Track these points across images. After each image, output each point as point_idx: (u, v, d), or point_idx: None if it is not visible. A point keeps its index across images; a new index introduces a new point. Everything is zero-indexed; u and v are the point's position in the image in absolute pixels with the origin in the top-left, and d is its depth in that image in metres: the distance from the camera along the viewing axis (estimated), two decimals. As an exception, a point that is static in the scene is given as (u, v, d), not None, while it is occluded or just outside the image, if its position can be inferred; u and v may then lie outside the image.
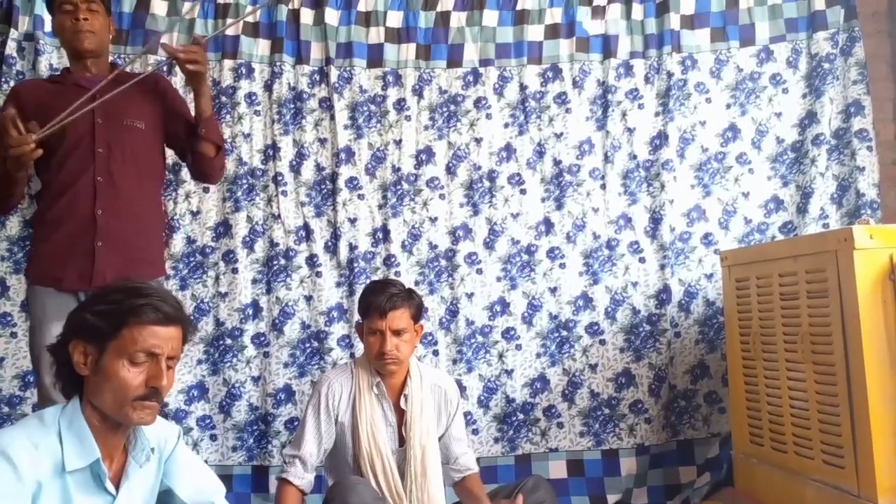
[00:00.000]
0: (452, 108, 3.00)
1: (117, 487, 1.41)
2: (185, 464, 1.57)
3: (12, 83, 2.73)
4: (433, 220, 2.95)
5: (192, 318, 1.52)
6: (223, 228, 2.87)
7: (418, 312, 2.20)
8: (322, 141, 2.96)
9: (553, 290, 2.93)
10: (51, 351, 1.44)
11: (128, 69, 2.49)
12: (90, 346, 1.37)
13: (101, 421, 1.39)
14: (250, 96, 2.92)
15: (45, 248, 2.14)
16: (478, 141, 2.98)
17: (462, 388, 2.85)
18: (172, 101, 2.34)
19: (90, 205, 2.09)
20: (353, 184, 2.93)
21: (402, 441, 2.16)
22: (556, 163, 2.98)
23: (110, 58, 2.41)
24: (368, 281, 2.76)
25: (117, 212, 2.11)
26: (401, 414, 2.17)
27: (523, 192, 2.97)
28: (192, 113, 2.30)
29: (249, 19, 2.94)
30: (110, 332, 1.36)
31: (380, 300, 2.10)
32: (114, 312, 1.37)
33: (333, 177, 2.92)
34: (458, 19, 3.03)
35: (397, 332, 2.10)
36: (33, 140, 1.93)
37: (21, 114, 1.97)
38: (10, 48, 2.77)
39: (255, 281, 2.86)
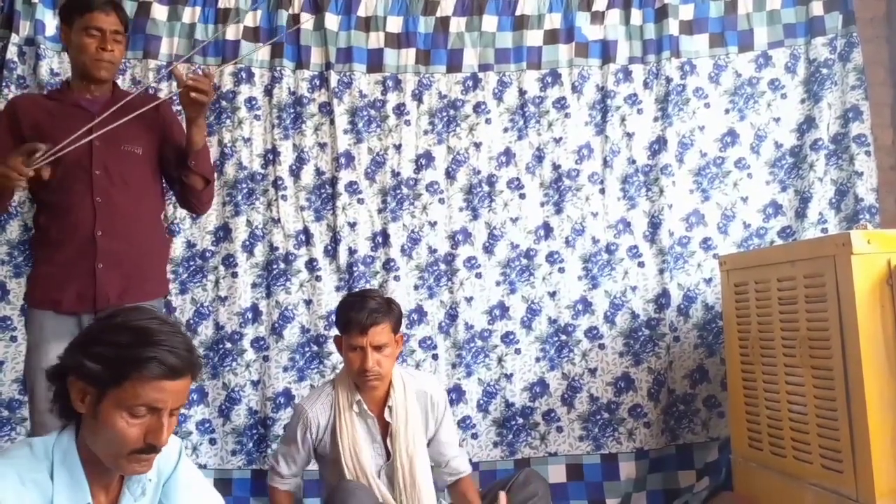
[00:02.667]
0: (452, 112, 3.00)
1: None
2: (186, 484, 1.49)
3: (13, 87, 2.75)
4: (432, 224, 2.95)
5: (201, 360, 1.39)
6: (223, 232, 2.88)
7: (398, 324, 2.15)
8: (322, 145, 2.96)
9: (552, 295, 2.93)
10: (48, 377, 1.34)
11: (126, 76, 2.48)
12: (89, 387, 1.26)
13: (95, 461, 1.31)
14: (250, 101, 2.93)
15: (45, 270, 2.10)
16: (477, 145, 2.99)
17: (461, 393, 2.86)
18: (171, 126, 2.27)
19: (90, 226, 2.05)
20: (352, 188, 2.94)
21: (389, 454, 2.13)
22: (556, 167, 2.99)
23: None
24: (362, 286, 2.77)
25: (117, 233, 2.08)
26: (385, 426, 2.13)
27: (522, 196, 2.98)
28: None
29: (249, 24, 2.95)
30: (111, 381, 1.24)
31: (360, 316, 2.04)
32: (117, 361, 1.24)
33: (333, 181, 2.93)
34: (457, 24, 3.04)
35: (378, 348, 2.06)
36: (28, 174, 1.89)
37: (20, 131, 2.00)
38: (11, 53, 2.78)
39: (254, 285, 2.86)
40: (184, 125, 2.22)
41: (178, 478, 1.47)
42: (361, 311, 2.05)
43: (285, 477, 2.16)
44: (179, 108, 2.66)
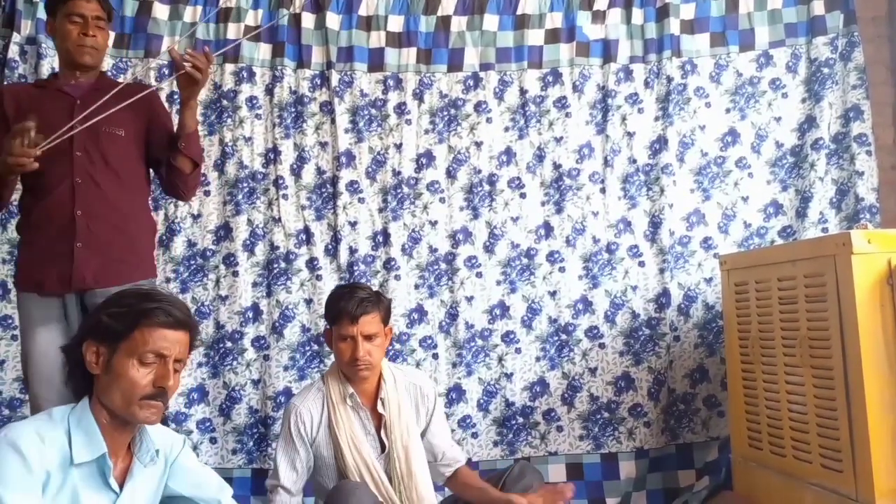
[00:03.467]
0: (453, 112, 3.01)
1: (121, 486, 1.45)
2: (190, 467, 1.61)
3: (15, 86, 2.76)
4: (433, 223, 2.95)
5: (198, 324, 1.58)
6: (224, 232, 2.88)
7: (388, 315, 2.17)
8: (323, 144, 2.97)
9: (553, 294, 2.93)
10: (65, 351, 1.51)
11: (128, 75, 2.46)
12: (102, 346, 1.44)
13: (109, 420, 1.44)
14: (251, 100, 2.93)
15: (28, 252, 2.11)
16: (478, 145, 2.99)
17: (461, 392, 2.86)
18: (157, 112, 2.27)
19: (69, 206, 2.04)
20: (353, 187, 2.94)
21: (384, 446, 2.13)
22: (556, 167, 2.99)
23: (110, 61, 2.37)
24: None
25: (97, 213, 2.07)
26: (378, 419, 2.13)
27: (523, 195, 2.98)
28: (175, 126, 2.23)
29: (251, 23, 2.95)
30: (122, 333, 1.43)
31: (350, 306, 2.05)
32: (126, 315, 1.44)
33: (334, 180, 2.94)
34: (458, 24, 3.04)
35: (369, 338, 2.06)
36: (36, 154, 1.90)
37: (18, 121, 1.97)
38: (13, 51, 2.79)
39: (255, 284, 2.87)
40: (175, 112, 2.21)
41: (181, 462, 1.60)
42: (351, 301, 2.06)
43: (289, 494, 2.08)
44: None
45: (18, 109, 2.09)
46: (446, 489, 2.31)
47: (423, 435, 2.23)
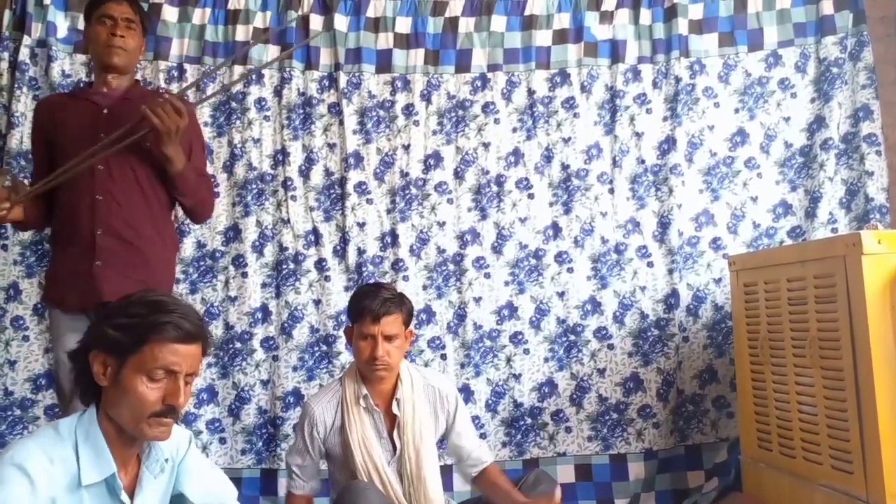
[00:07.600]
0: (461, 112, 3.01)
1: (131, 496, 1.41)
2: (197, 468, 1.57)
3: (25, 89, 2.80)
4: (441, 224, 2.96)
5: (210, 332, 1.51)
6: (233, 233, 2.90)
7: (409, 317, 2.17)
8: (331, 146, 2.98)
9: (561, 295, 2.93)
10: (70, 357, 1.45)
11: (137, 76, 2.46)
12: (110, 358, 1.37)
13: (118, 432, 1.39)
14: (260, 102, 2.94)
15: (53, 268, 2.14)
16: (486, 146, 3.00)
17: (470, 393, 2.86)
18: (185, 130, 2.10)
19: (90, 224, 2.05)
20: (361, 188, 2.95)
21: (395, 449, 2.13)
22: (564, 167, 2.99)
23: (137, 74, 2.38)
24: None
25: (117, 231, 2.06)
26: (393, 420, 2.13)
27: (531, 196, 2.98)
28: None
29: (259, 25, 2.97)
30: (131, 347, 1.36)
31: (374, 305, 2.06)
32: (135, 327, 1.36)
33: (342, 181, 2.94)
34: (466, 25, 3.04)
35: (389, 338, 2.07)
36: (7, 208, 2.00)
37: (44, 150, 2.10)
38: (24, 54, 2.81)
39: (264, 285, 2.88)
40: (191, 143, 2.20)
41: (187, 463, 1.55)
42: (375, 300, 2.07)
43: (303, 480, 2.15)
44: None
45: (52, 121, 2.13)
46: (455, 492, 2.32)
47: (446, 438, 2.24)
